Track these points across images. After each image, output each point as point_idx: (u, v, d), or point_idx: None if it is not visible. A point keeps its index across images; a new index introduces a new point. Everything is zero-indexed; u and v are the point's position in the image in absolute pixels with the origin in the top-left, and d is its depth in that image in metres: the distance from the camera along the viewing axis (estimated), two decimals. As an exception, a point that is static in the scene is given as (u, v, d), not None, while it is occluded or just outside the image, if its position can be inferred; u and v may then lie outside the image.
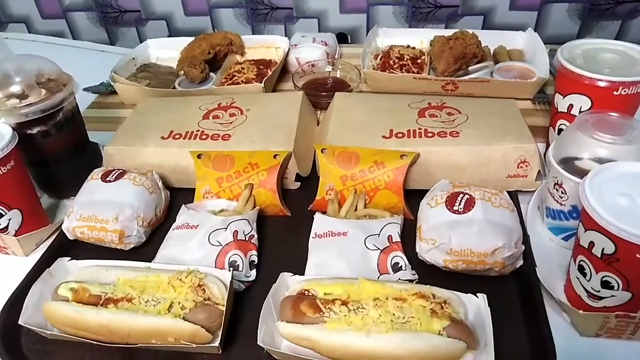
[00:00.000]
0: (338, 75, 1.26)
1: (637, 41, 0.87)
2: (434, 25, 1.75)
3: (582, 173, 0.72)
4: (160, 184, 0.92)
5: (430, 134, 0.90)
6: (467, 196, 0.76)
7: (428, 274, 0.76)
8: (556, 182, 0.75)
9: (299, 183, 0.96)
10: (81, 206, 0.84)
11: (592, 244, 0.61)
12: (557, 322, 0.70)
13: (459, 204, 0.75)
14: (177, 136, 0.97)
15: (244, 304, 0.75)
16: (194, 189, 0.92)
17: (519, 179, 0.87)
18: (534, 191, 0.87)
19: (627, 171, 0.63)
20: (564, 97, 0.86)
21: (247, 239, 0.80)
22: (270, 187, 0.89)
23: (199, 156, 0.92)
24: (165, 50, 1.40)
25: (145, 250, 0.85)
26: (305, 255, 0.79)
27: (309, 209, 0.91)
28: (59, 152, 0.94)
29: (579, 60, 0.85)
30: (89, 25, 1.91)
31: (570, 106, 0.86)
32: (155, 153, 0.95)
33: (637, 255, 0.57)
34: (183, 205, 0.88)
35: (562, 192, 0.75)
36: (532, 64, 1.20)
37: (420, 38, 1.34)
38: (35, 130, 0.89)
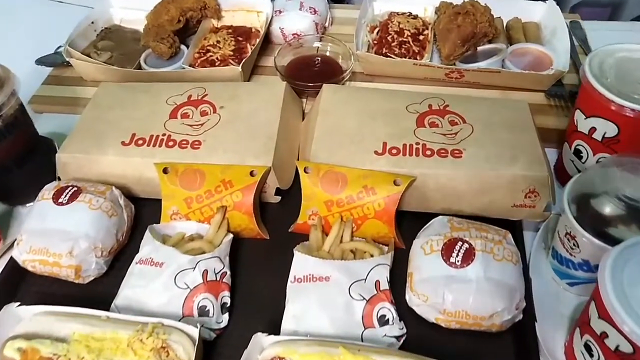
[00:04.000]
0: (327, 53, 1.10)
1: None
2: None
3: (598, 219, 0.63)
4: (121, 201, 0.81)
5: (429, 152, 0.79)
6: (466, 245, 0.67)
7: (417, 323, 0.69)
8: (568, 232, 0.66)
9: (280, 197, 0.86)
10: (31, 235, 0.75)
11: (605, 334, 0.54)
12: (553, 385, 0.65)
13: (457, 255, 0.66)
14: (140, 142, 0.85)
15: (214, 354, 0.69)
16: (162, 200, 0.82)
17: (525, 209, 0.77)
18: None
19: (657, 250, 0.54)
20: (587, 117, 0.74)
21: (218, 279, 0.72)
22: (245, 210, 0.79)
23: (164, 170, 0.81)
24: (130, 11, 1.21)
25: (107, 279, 0.77)
26: (283, 292, 0.72)
27: (289, 231, 0.82)
28: (5, 161, 0.82)
29: (610, 75, 0.72)
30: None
31: (593, 129, 0.74)
32: (115, 163, 0.84)
33: (657, 362, 0.49)
34: (148, 229, 0.78)
35: (573, 244, 0.66)
36: (551, 46, 1.05)
37: (424, 4, 1.16)
38: (-29, 143, 0.76)
